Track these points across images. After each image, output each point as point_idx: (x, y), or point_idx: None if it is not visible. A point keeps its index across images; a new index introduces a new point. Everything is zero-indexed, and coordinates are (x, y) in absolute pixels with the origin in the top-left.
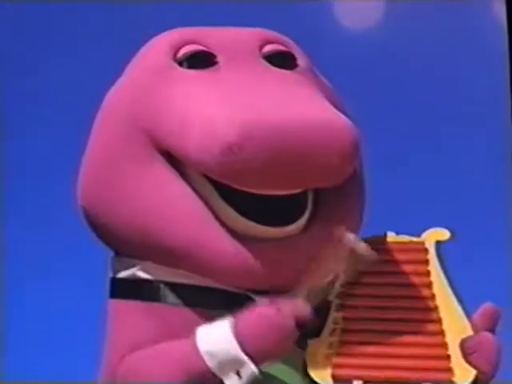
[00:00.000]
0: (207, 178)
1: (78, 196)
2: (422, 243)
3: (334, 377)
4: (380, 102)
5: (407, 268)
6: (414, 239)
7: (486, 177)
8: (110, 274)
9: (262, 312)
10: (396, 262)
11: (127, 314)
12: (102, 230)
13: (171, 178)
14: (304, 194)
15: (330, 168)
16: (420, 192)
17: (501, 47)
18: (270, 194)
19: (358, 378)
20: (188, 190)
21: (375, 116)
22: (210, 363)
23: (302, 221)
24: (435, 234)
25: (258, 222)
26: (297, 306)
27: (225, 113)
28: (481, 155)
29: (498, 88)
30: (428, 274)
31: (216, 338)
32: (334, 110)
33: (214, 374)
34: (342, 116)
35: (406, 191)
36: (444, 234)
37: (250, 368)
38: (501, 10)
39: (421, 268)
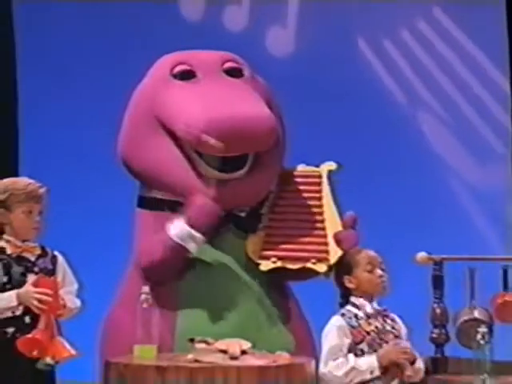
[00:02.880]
0: (192, 147)
1: (119, 153)
2: (319, 172)
3: (261, 256)
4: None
5: (309, 188)
6: (314, 169)
7: None
8: (139, 193)
9: (196, 203)
10: (302, 184)
11: (147, 217)
12: (132, 171)
13: (170, 145)
14: (245, 155)
15: (258, 141)
16: None
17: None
18: (225, 156)
19: (275, 256)
20: (178, 152)
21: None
22: (177, 239)
23: (244, 170)
24: (327, 166)
25: (218, 170)
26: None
27: (198, 111)
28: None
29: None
30: (320, 191)
31: (175, 225)
32: (263, 106)
33: (180, 245)
34: (267, 110)
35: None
36: (333, 166)
37: (198, 235)
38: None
39: (316, 188)
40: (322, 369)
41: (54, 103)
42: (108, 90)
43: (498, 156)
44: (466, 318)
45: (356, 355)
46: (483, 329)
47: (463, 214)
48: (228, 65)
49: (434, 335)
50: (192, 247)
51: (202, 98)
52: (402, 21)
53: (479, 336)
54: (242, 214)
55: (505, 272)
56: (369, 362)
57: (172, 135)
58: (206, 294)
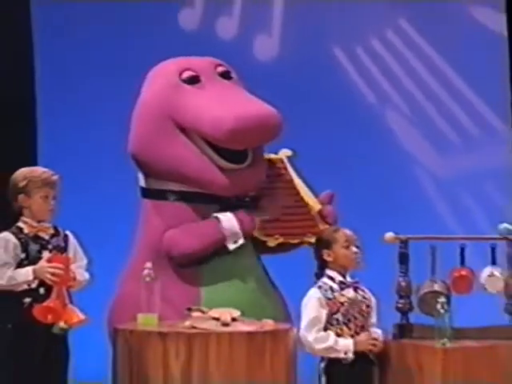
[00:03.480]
0: (205, 141)
1: (131, 150)
2: (281, 158)
3: (266, 235)
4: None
5: (279, 172)
6: (276, 156)
7: None
8: (142, 185)
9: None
10: (274, 169)
11: (157, 207)
12: (145, 166)
13: (183, 141)
14: (246, 149)
15: (273, 134)
16: None
17: None
18: (234, 149)
19: (278, 233)
20: (193, 147)
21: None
22: (225, 232)
23: (248, 161)
24: (284, 153)
25: (229, 161)
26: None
27: (223, 112)
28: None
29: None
30: (289, 174)
31: (228, 219)
32: (267, 105)
33: (223, 240)
34: (272, 108)
35: None
36: (289, 152)
37: (241, 239)
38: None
39: (284, 172)
40: (306, 337)
41: (69, 102)
42: (117, 88)
43: (456, 147)
44: (427, 289)
45: (332, 325)
46: (442, 299)
47: (426, 199)
48: (220, 69)
49: (400, 305)
50: (231, 246)
51: (219, 101)
52: (372, 30)
53: (439, 306)
54: (247, 199)
55: (461, 250)
56: (346, 345)
57: (187, 134)
58: (217, 271)
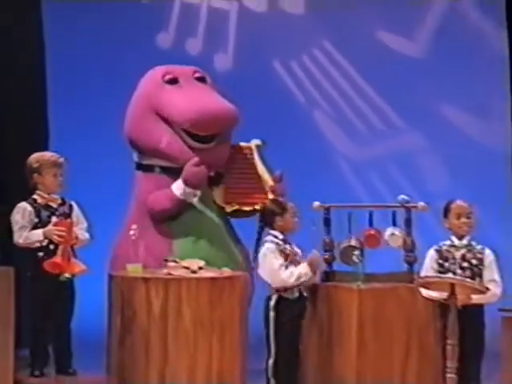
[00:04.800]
0: (182, 129)
1: (126, 134)
2: (250, 146)
3: (225, 202)
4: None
5: (246, 156)
6: (246, 144)
7: None
8: (136, 160)
9: (192, 169)
10: (242, 154)
11: (145, 178)
12: (136, 147)
13: (164, 128)
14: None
15: (227, 124)
16: None
17: None
18: (204, 134)
19: (234, 202)
20: (172, 132)
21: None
22: (182, 197)
23: (214, 143)
24: (255, 142)
25: (199, 142)
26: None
27: (188, 105)
28: None
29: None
30: (253, 158)
31: (178, 187)
32: (227, 102)
33: (183, 200)
34: (231, 104)
35: None
36: (259, 142)
37: (196, 191)
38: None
39: (250, 156)
40: (279, 277)
41: (75, 100)
42: (113, 88)
43: (366, 138)
44: (345, 245)
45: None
46: (357, 252)
47: (343, 177)
48: (197, 74)
49: (326, 257)
50: (193, 200)
51: (188, 97)
52: (302, 49)
53: (354, 257)
54: (212, 174)
55: (370, 215)
56: (304, 267)
57: (167, 122)
58: (189, 229)
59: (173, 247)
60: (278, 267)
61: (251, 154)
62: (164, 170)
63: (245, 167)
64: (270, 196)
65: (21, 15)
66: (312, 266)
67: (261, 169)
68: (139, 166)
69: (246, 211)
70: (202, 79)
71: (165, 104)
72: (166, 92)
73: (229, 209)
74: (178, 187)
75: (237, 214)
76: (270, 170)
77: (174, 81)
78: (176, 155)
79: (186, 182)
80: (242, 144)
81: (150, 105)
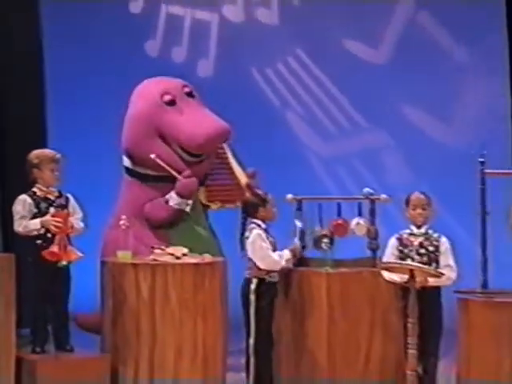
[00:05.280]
0: (179, 146)
1: (124, 148)
2: (223, 146)
3: (208, 201)
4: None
5: (220, 157)
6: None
7: None
8: (128, 166)
9: (185, 182)
10: (217, 154)
11: (137, 184)
12: (135, 159)
13: (161, 144)
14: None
15: (225, 141)
16: None
17: None
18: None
19: (217, 200)
20: (167, 147)
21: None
22: (177, 207)
23: (203, 157)
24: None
25: (193, 157)
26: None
27: (193, 131)
28: None
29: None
30: (227, 158)
31: (173, 198)
32: (221, 120)
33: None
34: (224, 122)
35: None
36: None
37: (189, 201)
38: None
39: (224, 156)
40: (271, 259)
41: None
42: (107, 88)
43: (334, 136)
44: (316, 233)
45: None
46: (326, 240)
47: (313, 171)
48: (186, 89)
49: (303, 245)
50: (186, 208)
51: (191, 122)
52: (277, 57)
53: (324, 244)
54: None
55: (338, 206)
56: (287, 254)
57: (164, 139)
58: (180, 226)
59: (168, 237)
60: (268, 250)
61: (225, 153)
62: (155, 178)
63: (220, 166)
64: (246, 192)
65: (19, 15)
66: (294, 253)
67: (235, 166)
68: (132, 172)
69: (228, 207)
70: (190, 94)
71: (170, 128)
72: (168, 115)
73: (214, 207)
74: (172, 199)
75: (220, 210)
76: (244, 167)
77: (172, 102)
78: (175, 168)
79: (179, 194)
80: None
81: (154, 126)
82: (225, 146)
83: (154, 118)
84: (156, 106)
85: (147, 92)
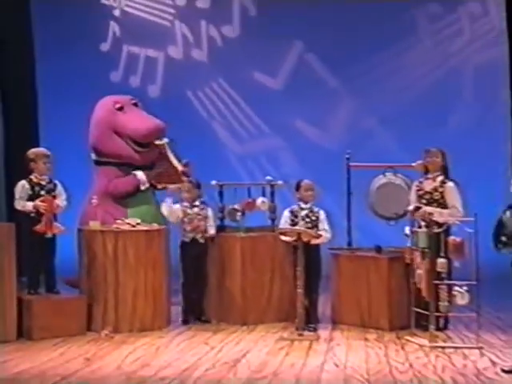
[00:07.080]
0: (129, 138)
1: (90, 144)
2: (164, 143)
3: (156, 182)
4: None
5: (161, 152)
6: (160, 142)
7: None
8: (95, 159)
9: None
10: (159, 149)
11: (104, 170)
12: (98, 152)
13: (117, 139)
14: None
15: (162, 134)
16: None
17: None
18: (143, 142)
19: (163, 182)
20: (122, 142)
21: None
22: (141, 180)
23: (149, 148)
24: (165, 140)
25: (141, 147)
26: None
27: (137, 126)
28: None
29: None
30: (166, 152)
31: (140, 174)
32: (157, 119)
33: (138, 186)
34: (160, 120)
35: None
36: (167, 140)
37: (146, 184)
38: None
39: (164, 151)
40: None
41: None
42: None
43: (252, 136)
44: (232, 208)
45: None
46: (239, 213)
47: (232, 167)
48: (132, 101)
49: (220, 216)
50: (142, 187)
51: (136, 120)
52: (205, 83)
53: (237, 217)
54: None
55: (248, 190)
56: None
57: (120, 136)
58: (137, 202)
59: (126, 212)
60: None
61: (164, 148)
62: (117, 165)
63: (161, 157)
64: (183, 177)
65: (9, 15)
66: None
67: (172, 158)
68: (99, 163)
69: (169, 188)
70: (136, 104)
71: (121, 125)
72: (119, 117)
73: (159, 186)
74: (142, 182)
75: (163, 189)
76: (180, 159)
77: (121, 108)
78: (128, 156)
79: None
80: (157, 142)
81: (109, 126)
82: (165, 144)
83: (109, 121)
84: (110, 112)
85: (104, 103)
